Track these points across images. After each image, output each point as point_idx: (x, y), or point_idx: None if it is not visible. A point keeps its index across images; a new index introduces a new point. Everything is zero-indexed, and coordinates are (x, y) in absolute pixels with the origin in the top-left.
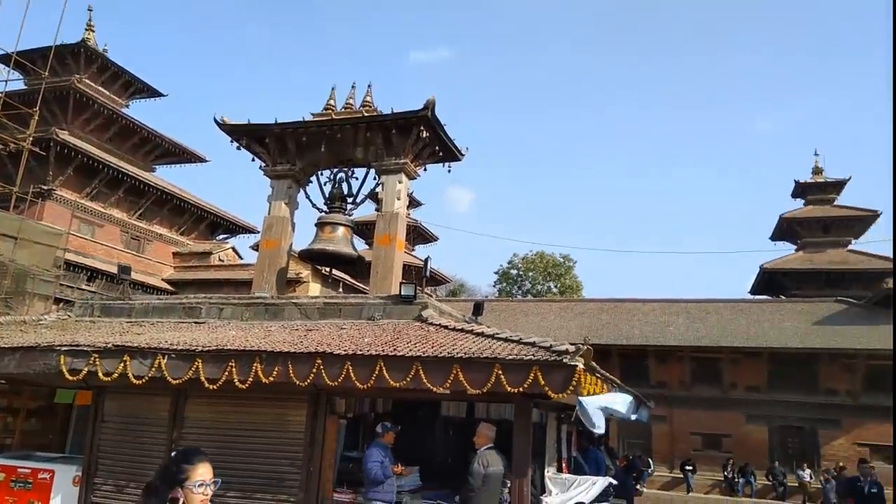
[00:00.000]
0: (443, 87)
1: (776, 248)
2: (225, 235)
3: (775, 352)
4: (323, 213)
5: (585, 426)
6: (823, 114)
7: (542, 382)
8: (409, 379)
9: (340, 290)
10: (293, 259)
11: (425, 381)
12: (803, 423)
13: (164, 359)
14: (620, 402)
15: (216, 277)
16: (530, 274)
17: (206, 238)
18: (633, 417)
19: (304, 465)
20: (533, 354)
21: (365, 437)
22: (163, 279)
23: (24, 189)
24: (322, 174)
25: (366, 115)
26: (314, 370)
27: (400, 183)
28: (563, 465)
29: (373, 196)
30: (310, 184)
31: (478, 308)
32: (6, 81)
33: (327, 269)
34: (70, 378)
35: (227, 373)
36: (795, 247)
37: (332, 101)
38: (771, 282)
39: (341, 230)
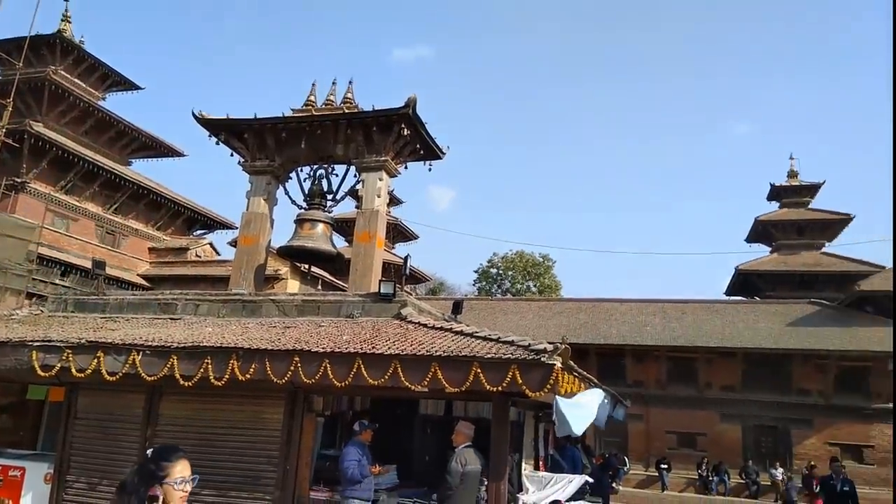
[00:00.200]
0: (424, 85)
1: (751, 249)
2: (202, 231)
3: (749, 352)
4: (302, 210)
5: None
6: (799, 118)
7: (521, 381)
8: (387, 377)
9: (319, 287)
10: (272, 255)
11: (404, 379)
12: (776, 423)
13: (138, 355)
14: (595, 405)
15: (193, 273)
16: (510, 273)
17: (182, 233)
18: (607, 417)
19: (281, 464)
20: (511, 353)
21: (342, 436)
22: (138, 275)
23: None
24: (302, 170)
25: (346, 111)
26: (292, 368)
27: (380, 180)
28: (541, 462)
29: (353, 193)
30: (289, 180)
31: (457, 306)
32: None
33: (306, 266)
34: (42, 374)
35: (202, 370)
36: (770, 249)
37: (312, 97)
38: (746, 283)
39: (321, 227)
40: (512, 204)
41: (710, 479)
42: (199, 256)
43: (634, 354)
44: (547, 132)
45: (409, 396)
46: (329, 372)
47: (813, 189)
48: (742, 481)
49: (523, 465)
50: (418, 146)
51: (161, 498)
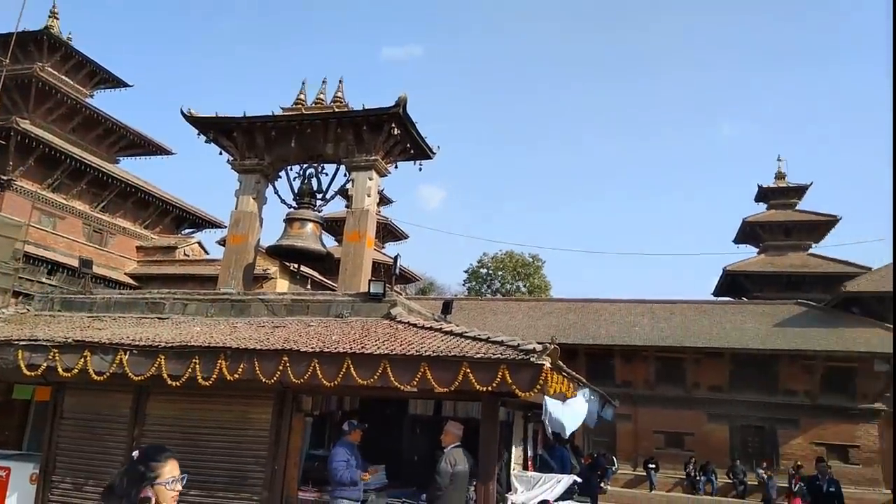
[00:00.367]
0: (414, 85)
1: (739, 250)
2: (191, 230)
3: (737, 352)
4: (292, 209)
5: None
6: (788, 119)
7: (510, 381)
8: (376, 377)
9: (308, 286)
10: (261, 255)
11: (393, 379)
12: (763, 423)
13: (125, 355)
14: (584, 408)
15: (181, 272)
16: (500, 273)
17: (171, 232)
18: (597, 417)
19: (269, 464)
20: (501, 353)
21: (331, 436)
22: (126, 273)
23: None
24: (291, 169)
25: (336, 110)
26: (280, 367)
27: (370, 180)
28: (529, 462)
29: (343, 192)
30: (279, 179)
31: (447, 306)
32: None
33: (295, 266)
34: (28, 373)
35: (190, 370)
36: (757, 250)
37: (302, 96)
38: (733, 284)
39: (310, 226)
40: (502, 204)
41: (698, 478)
42: (188, 255)
43: (623, 354)
44: (538, 132)
45: (398, 396)
46: (318, 372)
47: (800, 191)
48: (729, 481)
49: (512, 464)
50: (409, 146)
51: (153, 499)
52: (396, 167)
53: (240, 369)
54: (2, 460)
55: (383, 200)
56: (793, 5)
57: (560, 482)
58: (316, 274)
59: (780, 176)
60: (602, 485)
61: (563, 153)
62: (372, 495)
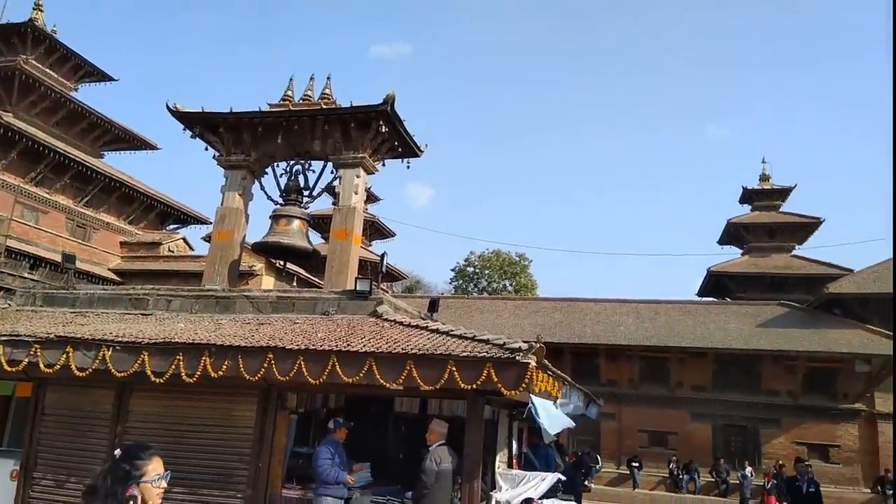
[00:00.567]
0: (402, 82)
1: (723, 251)
2: (175, 225)
3: (720, 352)
4: (278, 206)
5: (537, 424)
6: (773, 122)
7: (496, 379)
8: (362, 374)
9: (294, 284)
10: (246, 251)
11: (378, 376)
12: (745, 422)
13: (108, 351)
14: (565, 420)
15: (165, 268)
16: (486, 272)
17: (155, 228)
18: (580, 415)
19: (253, 461)
20: (486, 352)
21: (316, 433)
22: (109, 269)
23: None
24: (278, 166)
25: (324, 107)
26: (265, 365)
27: (358, 177)
28: (514, 461)
29: (330, 190)
30: (265, 175)
31: (433, 305)
32: None
33: (281, 263)
34: (9, 369)
35: (174, 366)
36: (742, 251)
37: (290, 92)
38: (717, 284)
39: (297, 223)
40: (490, 203)
41: (681, 477)
42: (172, 251)
43: (608, 354)
44: (527, 132)
45: (383, 394)
46: (303, 369)
47: (784, 193)
48: (712, 480)
49: (497, 462)
50: (396, 143)
51: (139, 497)
52: (384, 165)
53: (224, 366)
54: None
55: (370, 198)
56: (780, 7)
57: (544, 480)
58: (302, 271)
59: (764, 178)
60: (586, 483)
61: (552, 153)
62: (356, 493)
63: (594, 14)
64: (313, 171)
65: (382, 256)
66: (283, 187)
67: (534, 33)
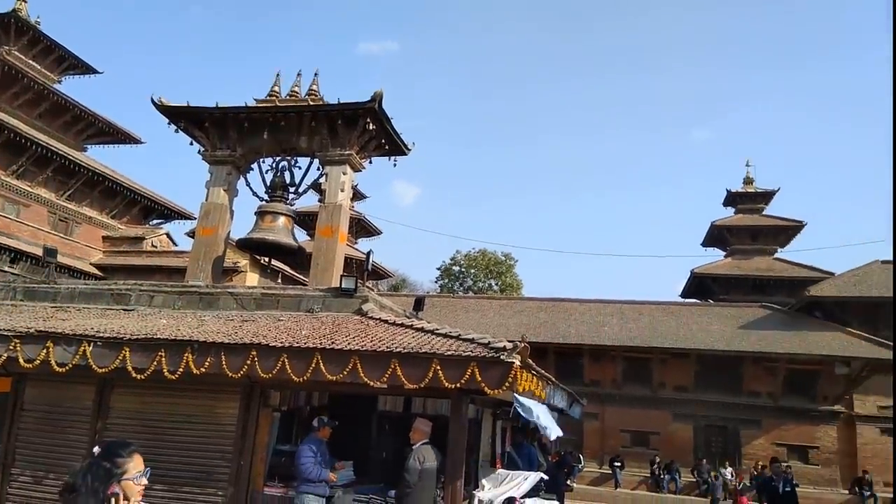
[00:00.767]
0: (390, 80)
1: (707, 253)
2: (159, 221)
3: (702, 353)
4: (264, 202)
5: (523, 423)
6: (757, 125)
7: (479, 378)
8: (346, 372)
9: (279, 281)
10: (231, 248)
11: (363, 374)
12: (726, 423)
13: (89, 346)
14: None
15: (148, 264)
16: (472, 271)
17: (138, 223)
18: (554, 436)
19: (235, 459)
20: (471, 351)
21: (299, 431)
22: (91, 263)
23: None
24: (264, 162)
25: (311, 103)
26: (248, 362)
27: (344, 174)
28: (497, 459)
29: (316, 186)
30: (251, 171)
31: (419, 303)
32: None
33: (266, 260)
34: None
35: (156, 363)
36: (725, 253)
37: (276, 88)
38: (700, 286)
39: (282, 220)
40: (476, 202)
41: (662, 477)
42: (155, 246)
43: (592, 354)
44: (512, 132)
45: (367, 392)
46: (287, 367)
47: (767, 196)
48: (693, 480)
49: (480, 461)
50: (383, 141)
51: (121, 494)
52: (371, 162)
53: (207, 363)
54: None
55: (357, 195)
56: (767, 11)
57: (527, 479)
58: (287, 268)
59: (748, 181)
60: (569, 482)
61: (536, 153)
62: (339, 492)
63: (583, 14)
64: (299, 168)
65: (368, 254)
66: (268, 183)
67: (521, 34)
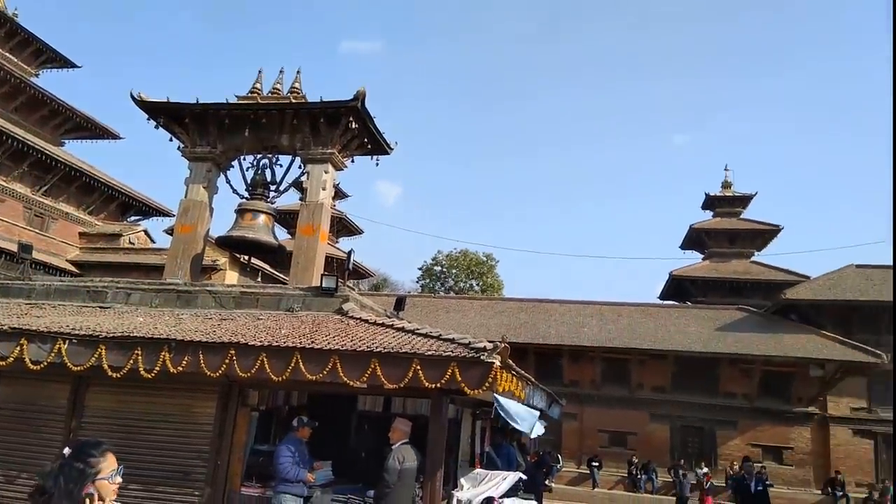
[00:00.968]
0: (373, 80)
1: (685, 256)
2: (137, 217)
3: (680, 355)
4: (244, 200)
5: (503, 423)
6: (735, 131)
7: (460, 378)
8: (325, 372)
9: (259, 279)
10: (210, 245)
11: (342, 374)
12: (703, 424)
13: (64, 344)
14: (527, 416)
15: (125, 261)
16: (454, 271)
17: (116, 219)
18: (535, 435)
19: (212, 459)
20: (451, 351)
21: (278, 431)
22: (67, 260)
23: None
24: (245, 159)
25: (293, 101)
26: (227, 361)
27: (326, 173)
28: (476, 459)
29: (297, 185)
30: (231, 168)
31: (399, 303)
32: None
33: (246, 258)
34: None
35: (132, 361)
36: (703, 256)
37: (258, 85)
38: (679, 288)
39: (262, 218)
40: (458, 203)
41: (639, 477)
42: (133, 243)
43: (571, 354)
44: (494, 133)
45: (347, 392)
46: (266, 366)
47: (745, 200)
48: (670, 479)
49: (459, 461)
50: (366, 140)
51: (95, 495)
52: (353, 161)
53: (184, 362)
54: None
55: (338, 194)
56: (746, 18)
57: (506, 479)
58: (267, 267)
59: (726, 185)
60: (547, 482)
61: (518, 155)
62: (317, 491)
63: (569, 16)
64: (280, 166)
65: (349, 254)
66: (249, 181)
67: (508, 32)
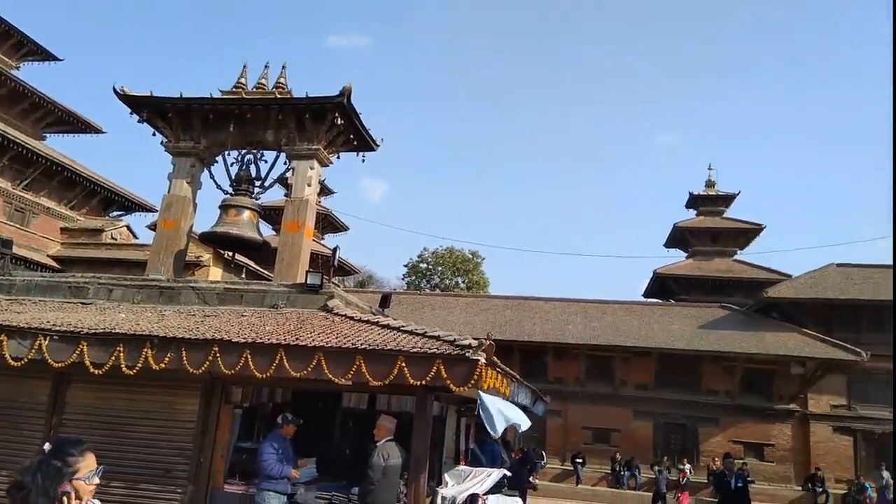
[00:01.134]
0: (359, 75)
1: (669, 254)
2: (119, 212)
3: (663, 352)
4: (228, 195)
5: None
6: (719, 130)
7: (445, 376)
8: (310, 369)
9: (243, 276)
10: (193, 241)
11: (327, 371)
12: (685, 421)
13: (45, 340)
14: (515, 414)
15: (107, 256)
16: (439, 268)
17: (98, 214)
18: (523, 429)
19: (195, 456)
20: (437, 348)
21: (261, 428)
22: (48, 255)
23: None
24: (229, 154)
25: (279, 96)
26: (210, 358)
27: (311, 169)
28: (461, 456)
29: (282, 181)
30: (215, 164)
31: (385, 300)
32: None
33: (230, 254)
34: None
35: (114, 358)
36: (686, 254)
37: (243, 80)
38: (662, 286)
39: (247, 214)
40: (444, 200)
41: (622, 473)
42: (115, 239)
43: (556, 352)
44: (481, 131)
45: (332, 389)
46: (250, 363)
47: (728, 199)
48: (653, 476)
49: (444, 458)
50: (352, 136)
51: (72, 494)
52: (339, 157)
53: (167, 359)
54: None
55: (324, 191)
56: (732, 25)
57: (490, 476)
58: (251, 263)
59: (710, 184)
60: (531, 479)
61: (504, 154)
62: (301, 489)
63: (553, 16)
64: (265, 162)
65: (335, 250)
66: (233, 177)
67: (496, 27)
